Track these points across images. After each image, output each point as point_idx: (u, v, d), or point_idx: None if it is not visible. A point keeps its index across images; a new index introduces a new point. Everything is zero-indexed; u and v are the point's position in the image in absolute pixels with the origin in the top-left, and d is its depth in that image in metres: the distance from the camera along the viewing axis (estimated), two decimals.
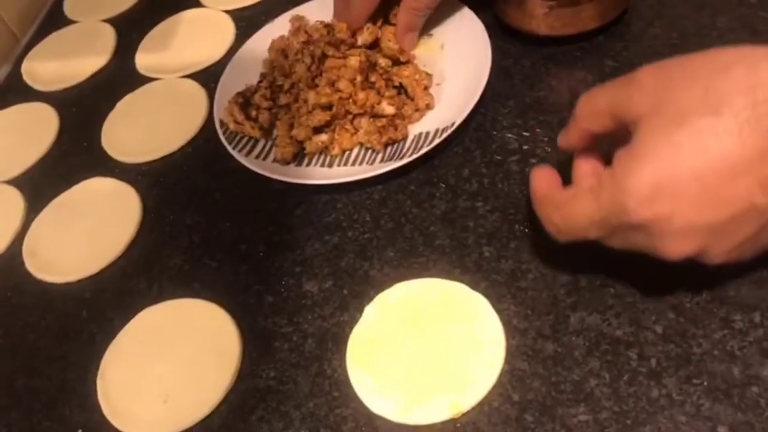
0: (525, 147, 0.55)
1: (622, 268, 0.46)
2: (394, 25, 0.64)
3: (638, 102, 0.38)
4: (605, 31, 0.61)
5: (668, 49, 0.58)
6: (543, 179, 0.44)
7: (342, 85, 0.59)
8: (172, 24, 0.82)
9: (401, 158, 0.55)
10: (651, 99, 0.37)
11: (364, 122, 0.58)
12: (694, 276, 0.44)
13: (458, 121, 0.55)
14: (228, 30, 0.77)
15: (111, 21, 0.86)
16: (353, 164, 0.58)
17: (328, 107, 0.59)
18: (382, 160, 0.57)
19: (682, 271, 0.45)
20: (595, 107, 0.42)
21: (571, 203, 0.41)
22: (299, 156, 0.60)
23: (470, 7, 0.64)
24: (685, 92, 0.36)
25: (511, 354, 0.44)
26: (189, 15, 0.82)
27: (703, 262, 0.38)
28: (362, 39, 0.65)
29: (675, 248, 0.37)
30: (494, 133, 0.57)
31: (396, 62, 0.63)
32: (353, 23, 0.65)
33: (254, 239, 0.57)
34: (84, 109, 0.76)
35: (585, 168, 0.45)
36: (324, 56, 0.62)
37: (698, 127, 0.35)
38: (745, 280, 0.43)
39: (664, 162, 0.35)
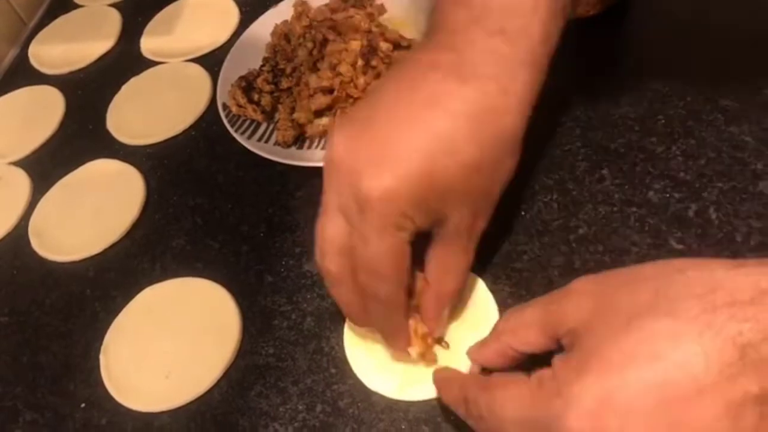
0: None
1: (615, 251, 0.47)
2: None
3: (575, 311, 0.33)
4: (604, 18, 0.61)
5: (668, 36, 0.58)
6: (480, 357, 0.40)
7: (343, 68, 0.59)
8: (176, 8, 0.83)
9: None
10: (591, 306, 0.33)
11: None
12: None
13: None
14: (232, 14, 0.78)
15: (117, 5, 0.87)
16: None
17: (330, 91, 0.60)
18: None
19: (673, 255, 0.46)
20: (521, 320, 0.37)
21: (504, 387, 0.34)
22: (300, 139, 0.61)
23: None
24: (631, 295, 0.31)
25: None
26: None
27: None
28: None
29: None
30: None
31: (397, 46, 0.63)
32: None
33: (255, 220, 0.57)
34: (90, 92, 0.77)
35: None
36: (325, 40, 0.62)
37: (651, 331, 0.29)
38: None
39: (614, 371, 0.29)
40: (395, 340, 0.43)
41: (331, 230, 0.41)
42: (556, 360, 0.32)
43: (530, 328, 0.36)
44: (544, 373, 0.32)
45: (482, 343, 0.41)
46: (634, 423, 0.28)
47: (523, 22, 0.40)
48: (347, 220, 0.40)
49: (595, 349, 0.30)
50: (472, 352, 0.41)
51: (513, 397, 0.33)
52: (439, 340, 0.45)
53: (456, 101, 0.39)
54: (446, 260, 0.42)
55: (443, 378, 0.42)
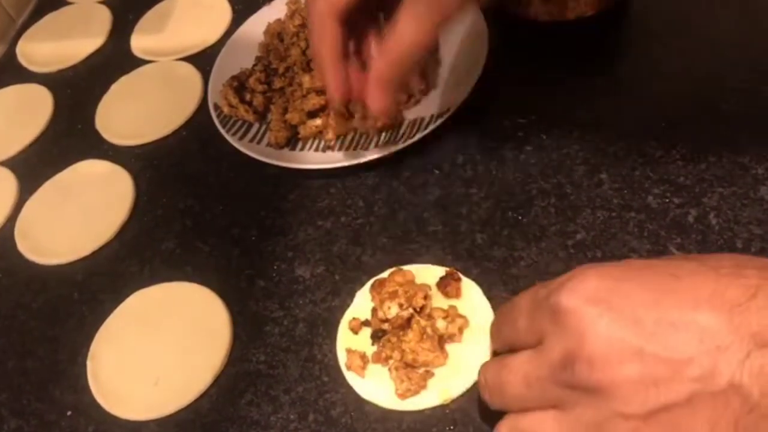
0: (520, 134, 0.55)
1: (614, 258, 0.46)
2: None
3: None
4: (603, 17, 0.60)
5: (667, 37, 0.58)
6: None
7: None
8: (168, 6, 0.81)
9: (396, 144, 0.55)
10: None
11: (358, 107, 0.57)
12: None
13: (453, 108, 0.55)
14: (224, 12, 0.77)
15: (107, 2, 0.86)
16: (347, 149, 0.57)
17: (323, 91, 0.58)
18: (376, 146, 0.56)
19: None
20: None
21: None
22: (293, 140, 0.59)
23: None
24: (677, 255, 0.35)
25: None
26: None
27: None
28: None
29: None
30: (489, 119, 0.57)
31: None
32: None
33: (247, 223, 0.56)
34: (79, 90, 0.76)
35: None
36: None
37: (676, 263, 0.32)
38: None
39: (619, 271, 0.32)
40: (327, 74, 0.48)
41: None
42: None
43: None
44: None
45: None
46: (622, 310, 0.29)
47: None
48: None
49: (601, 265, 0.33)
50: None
51: (532, 289, 0.35)
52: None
53: None
54: (398, 20, 0.44)
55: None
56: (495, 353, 0.42)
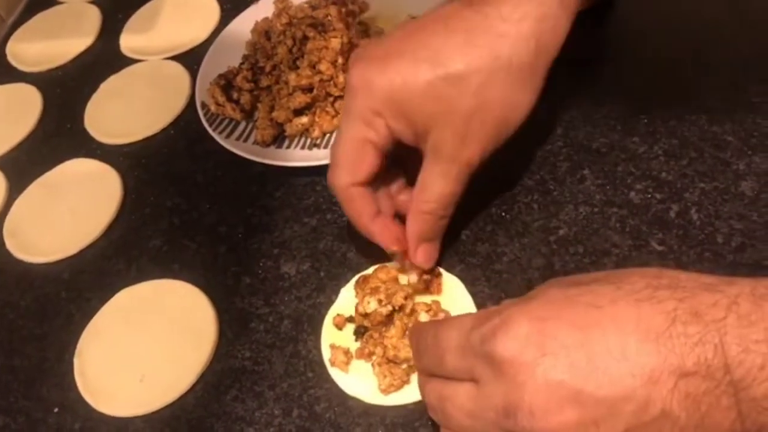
0: None
1: (596, 253, 0.46)
2: None
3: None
4: (588, 14, 0.60)
5: (652, 34, 0.58)
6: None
7: (323, 67, 0.59)
8: (157, 5, 0.81)
9: None
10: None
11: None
12: (666, 261, 0.45)
13: None
14: (213, 11, 0.77)
15: (96, 2, 0.86)
16: None
17: (309, 89, 0.59)
18: None
19: (654, 256, 0.45)
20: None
21: (452, 318, 0.37)
22: (280, 138, 0.60)
23: None
24: (589, 275, 0.34)
25: None
26: None
27: None
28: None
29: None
30: None
31: None
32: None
33: (234, 221, 0.57)
34: (68, 90, 0.76)
35: None
36: (305, 38, 0.61)
37: (596, 291, 0.32)
38: (718, 265, 0.44)
39: (553, 307, 0.32)
40: (372, 236, 0.46)
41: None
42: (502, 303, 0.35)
43: None
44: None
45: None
46: (556, 352, 0.30)
47: None
48: None
49: (542, 293, 0.33)
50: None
51: (457, 325, 0.35)
52: (431, 271, 0.47)
53: (457, 20, 0.41)
54: (424, 178, 0.43)
55: (412, 326, 0.42)
56: None
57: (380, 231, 0.46)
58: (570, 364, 0.29)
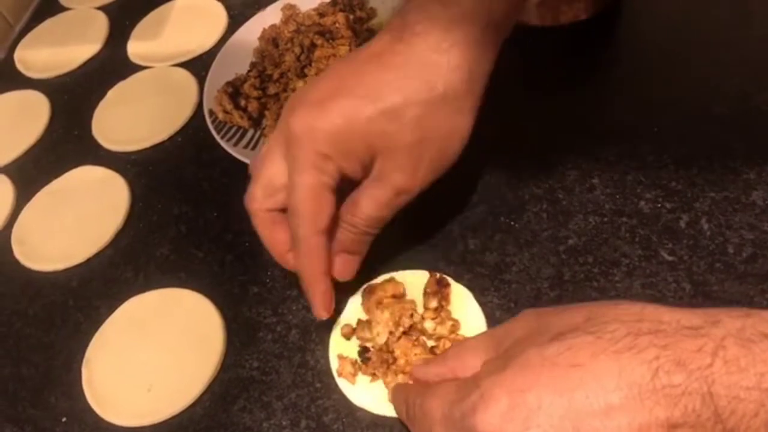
0: (512, 139, 0.55)
1: (605, 263, 0.46)
2: None
3: (515, 331, 0.35)
4: (596, 21, 0.60)
5: (659, 42, 0.58)
6: (423, 377, 0.40)
7: None
8: (164, 12, 0.81)
9: None
10: (529, 326, 0.35)
11: None
12: (677, 271, 0.44)
13: None
14: (220, 18, 0.77)
15: (104, 8, 0.86)
16: None
17: None
18: None
19: (664, 267, 0.45)
20: (468, 346, 0.38)
21: (437, 387, 0.36)
22: None
23: None
24: (565, 319, 0.33)
25: None
26: (181, 3, 0.82)
27: None
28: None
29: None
30: (481, 124, 0.57)
31: None
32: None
33: (241, 229, 0.56)
34: (75, 97, 0.76)
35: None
36: (313, 46, 0.61)
37: (574, 345, 0.31)
38: (729, 275, 0.43)
39: (531, 371, 0.31)
40: (312, 289, 0.44)
41: (267, 170, 0.44)
42: (484, 363, 0.35)
43: (476, 352, 0.37)
44: (474, 374, 0.34)
45: (427, 364, 0.41)
46: (540, 424, 0.29)
47: None
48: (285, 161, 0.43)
49: (520, 353, 0.32)
50: (415, 371, 0.41)
51: (441, 394, 0.35)
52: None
53: (389, 55, 0.42)
54: (359, 197, 0.43)
55: (395, 387, 0.42)
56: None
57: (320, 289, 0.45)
58: None
